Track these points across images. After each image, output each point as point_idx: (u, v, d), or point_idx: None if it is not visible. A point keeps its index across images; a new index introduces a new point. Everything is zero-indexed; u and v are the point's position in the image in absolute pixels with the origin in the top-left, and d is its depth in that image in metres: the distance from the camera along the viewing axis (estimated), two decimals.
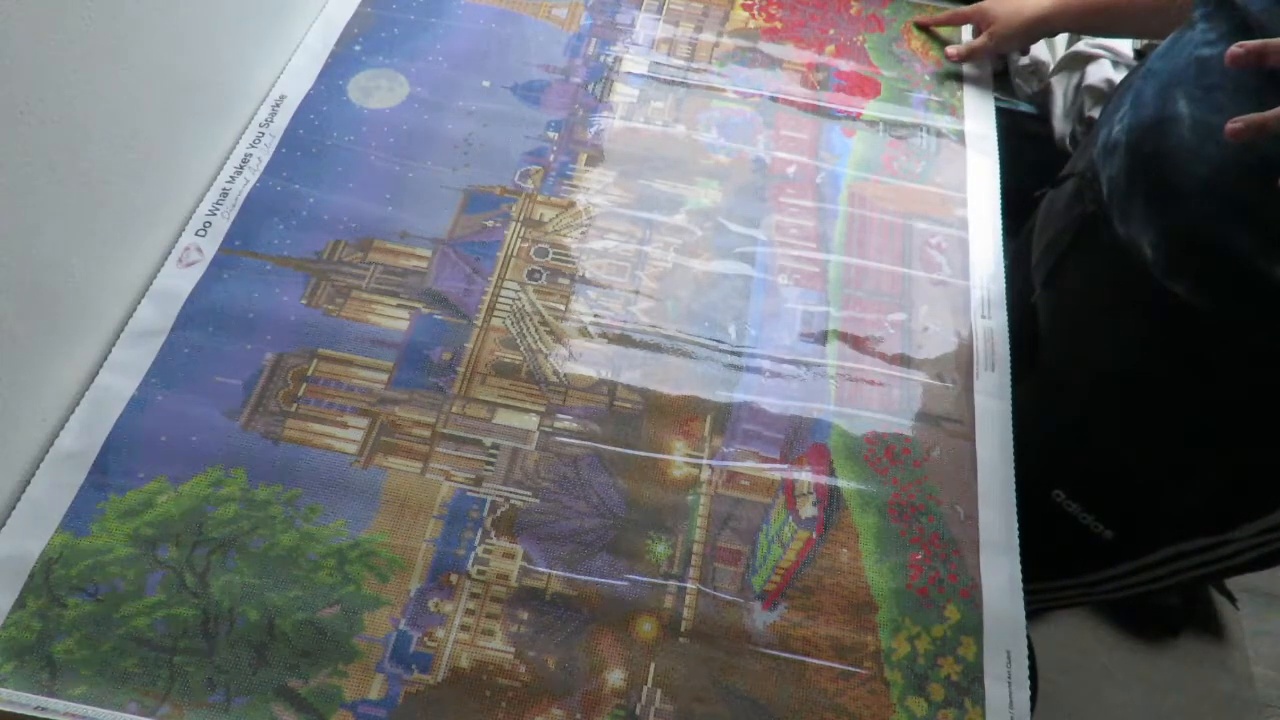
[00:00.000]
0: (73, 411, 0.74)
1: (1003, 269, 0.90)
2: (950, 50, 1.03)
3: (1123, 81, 0.84)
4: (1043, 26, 0.98)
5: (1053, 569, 0.90)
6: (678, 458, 0.77)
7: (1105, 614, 1.34)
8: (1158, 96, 0.70)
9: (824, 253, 0.90)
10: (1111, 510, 0.84)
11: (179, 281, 0.82)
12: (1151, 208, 0.70)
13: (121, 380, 0.76)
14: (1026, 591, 0.71)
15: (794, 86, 1.04)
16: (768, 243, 0.90)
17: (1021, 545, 0.73)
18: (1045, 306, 0.87)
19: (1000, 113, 1.05)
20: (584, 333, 0.83)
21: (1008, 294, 0.89)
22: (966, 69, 1.08)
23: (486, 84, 1.00)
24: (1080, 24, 0.97)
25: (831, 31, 1.10)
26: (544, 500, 0.74)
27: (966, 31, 1.12)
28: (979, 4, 1.04)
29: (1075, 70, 1.13)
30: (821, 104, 1.02)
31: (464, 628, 0.68)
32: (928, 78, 1.06)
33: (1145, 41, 1.10)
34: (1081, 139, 1.02)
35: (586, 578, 0.70)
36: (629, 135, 0.98)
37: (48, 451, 0.72)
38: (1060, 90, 1.15)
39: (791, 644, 0.69)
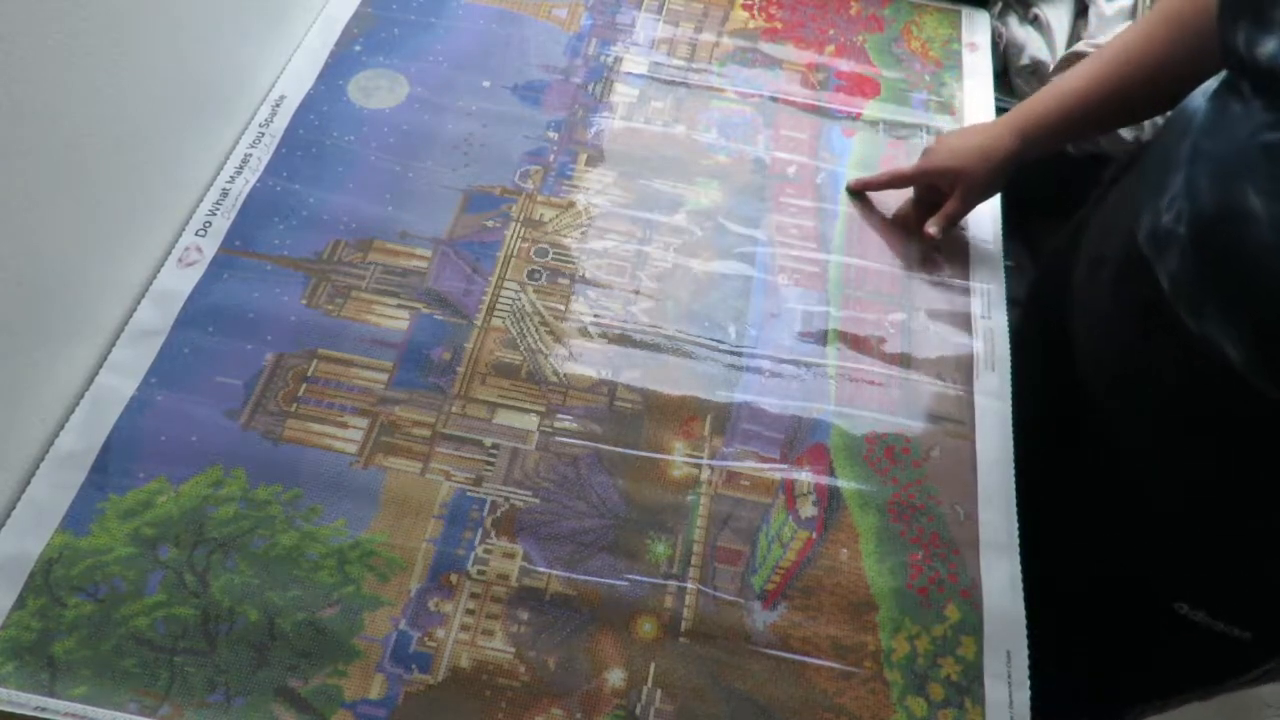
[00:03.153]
0: (73, 411, 0.74)
1: (1003, 269, 0.90)
2: (929, 230, 0.86)
3: (1150, 148, 0.73)
4: (1015, 161, 0.84)
5: (1190, 680, 0.83)
6: (678, 458, 0.77)
7: None
8: (1218, 187, 0.61)
9: (824, 253, 0.90)
10: (1244, 611, 0.74)
11: (179, 281, 0.82)
12: (1233, 309, 0.62)
13: (121, 380, 0.76)
14: (1164, 706, 0.68)
15: (794, 86, 1.04)
16: (768, 243, 0.90)
17: (1148, 662, 0.69)
18: (1116, 415, 0.76)
19: (1000, 113, 1.05)
20: (584, 333, 0.83)
21: (1020, 365, 0.83)
22: (967, 69, 1.08)
23: (486, 84, 1.00)
24: (1057, 137, 0.83)
25: (831, 31, 1.10)
26: (544, 500, 0.74)
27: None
28: (934, 164, 0.88)
29: None
30: (821, 104, 1.02)
31: (464, 628, 0.68)
32: (928, 78, 1.06)
33: None
34: (1093, 208, 0.87)
35: (586, 578, 0.70)
36: (629, 135, 0.98)
37: (48, 451, 0.72)
38: None
39: (791, 644, 0.69)
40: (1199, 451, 0.69)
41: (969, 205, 0.88)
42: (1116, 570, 0.76)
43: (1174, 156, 0.66)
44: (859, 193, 0.94)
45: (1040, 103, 0.82)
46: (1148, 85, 0.75)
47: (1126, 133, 1.09)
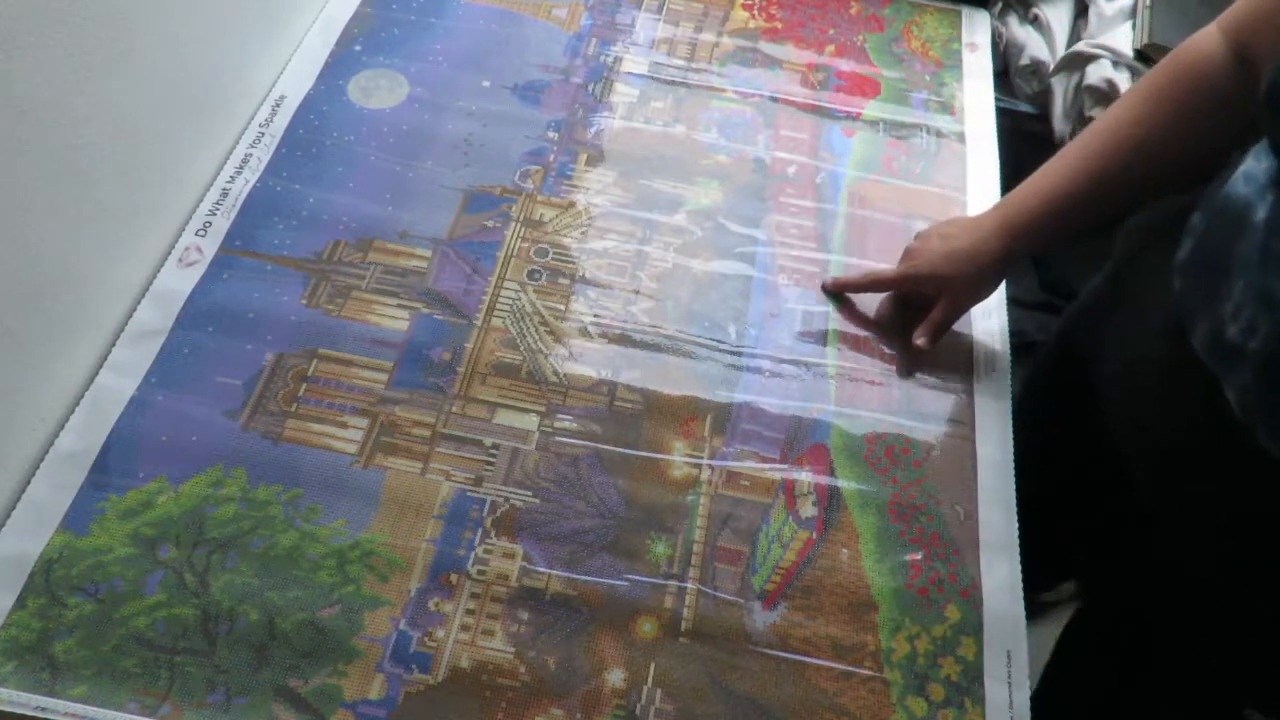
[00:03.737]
0: (73, 411, 0.74)
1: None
2: (918, 341, 0.80)
3: (1194, 242, 0.64)
4: (1005, 264, 0.78)
5: None
6: (678, 458, 0.77)
7: None
8: None
9: (824, 253, 0.90)
10: None
11: (179, 281, 0.82)
12: None
13: (121, 380, 0.76)
14: None
15: (794, 86, 1.04)
16: (768, 243, 0.90)
17: None
18: (1173, 523, 0.70)
19: (1000, 113, 1.05)
20: (584, 333, 0.83)
21: (1035, 431, 0.80)
22: (967, 69, 1.08)
23: (486, 84, 1.00)
24: (1049, 236, 0.75)
25: (831, 31, 1.10)
26: (544, 500, 0.74)
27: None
28: (920, 271, 0.81)
29: (1075, 70, 1.13)
30: (821, 104, 1.02)
31: (464, 628, 0.68)
32: (928, 78, 1.06)
33: (1146, 40, 1.10)
34: (1112, 282, 0.79)
35: (586, 578, 0.70)
36: (629, 135, 0.98)
37: (48, 451, 0.72)
38: (1060, 90, 1.14)
39: (791, 644, 0.69)
40: (1264, 552, 0.64)
41: (959, 312, 0.81)
42: (1182, 671, 0.72)
43: (1232, 257, 0.58)
44: (836, 289, 0.86)
45: (1027, 200, 0.75)
46: (1143, 173, 0.70)
47: None
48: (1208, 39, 0.67)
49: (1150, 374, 0.69)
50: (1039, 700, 0.68)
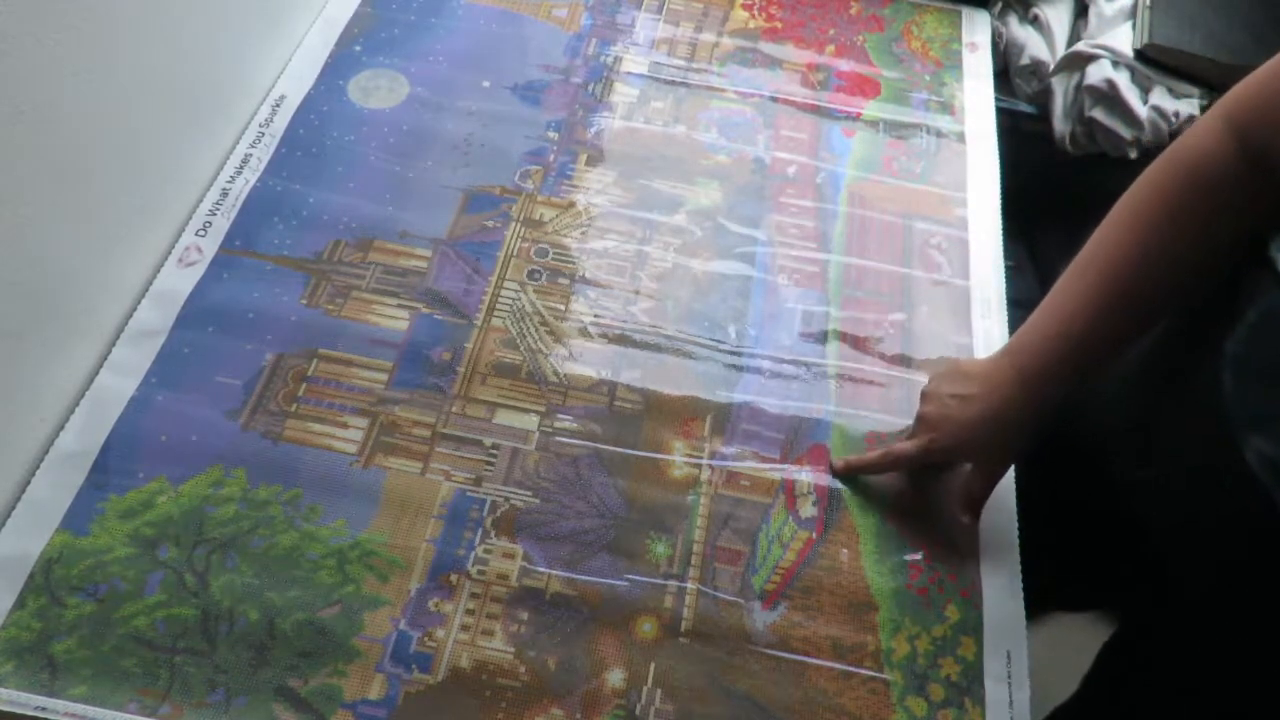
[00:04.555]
0: (73, 411, 0.74)
1: (1003, 269, 0.90)
2: (964, 520, 0.73)
3: (1246, 326, 0.59)
4: (1033, 418, 0.69)
5: None
6: (678, 458, 0.77)
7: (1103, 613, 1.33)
8: None
9: (824, 253, 0.90)
10: None
11: (179, 281, 0.82)
12: None
13: (121, 380, 0.76)
14: None
15: (794, 86, 1.04)
16: (768, 243, 0.90)
17: None
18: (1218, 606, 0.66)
19: (1000, 113, 1.05)
20: (584, 333, 0.83)
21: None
22: (967, 69, 1.08)
23: (486, 84, 1.00)
24: (1071, 378, 0.67)
25: (831, 31, 1.10)
26: (544, 500, 0.74)
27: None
28: (942, 445, 0.72)
29: (1075, 70, 1.13)
30: (821, 104, 1.02)
31: (464, 628, 0.68)
32: (928, 78, 1.06)
33: (1146, 40, 1.10)
34: (1144, 375, 0.71)
35: (586, 578, 0.70)
36: (629, 135, 0.98)
37: (48, 451, 0.72)
38: (1060, 90, 1.14)
39: (791, 644, 0.69)
40: None
41: (995, 480, 0.73)
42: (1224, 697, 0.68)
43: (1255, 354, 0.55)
44: (848, 472, 0.77)
45: (1039, 344, 0.67)
46: (1154, 293, 0.63)
47: (1125, 132, 1.09)
48: (1209, 134, 0.60)
49: (1191, 483, 0.63)
50: (1072, 710, 0.67)
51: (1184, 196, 0.61)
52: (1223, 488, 0.60)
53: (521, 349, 0.81)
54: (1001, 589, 0.72)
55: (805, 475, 0.76)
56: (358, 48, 1.01)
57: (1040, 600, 0.73)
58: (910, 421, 0.79)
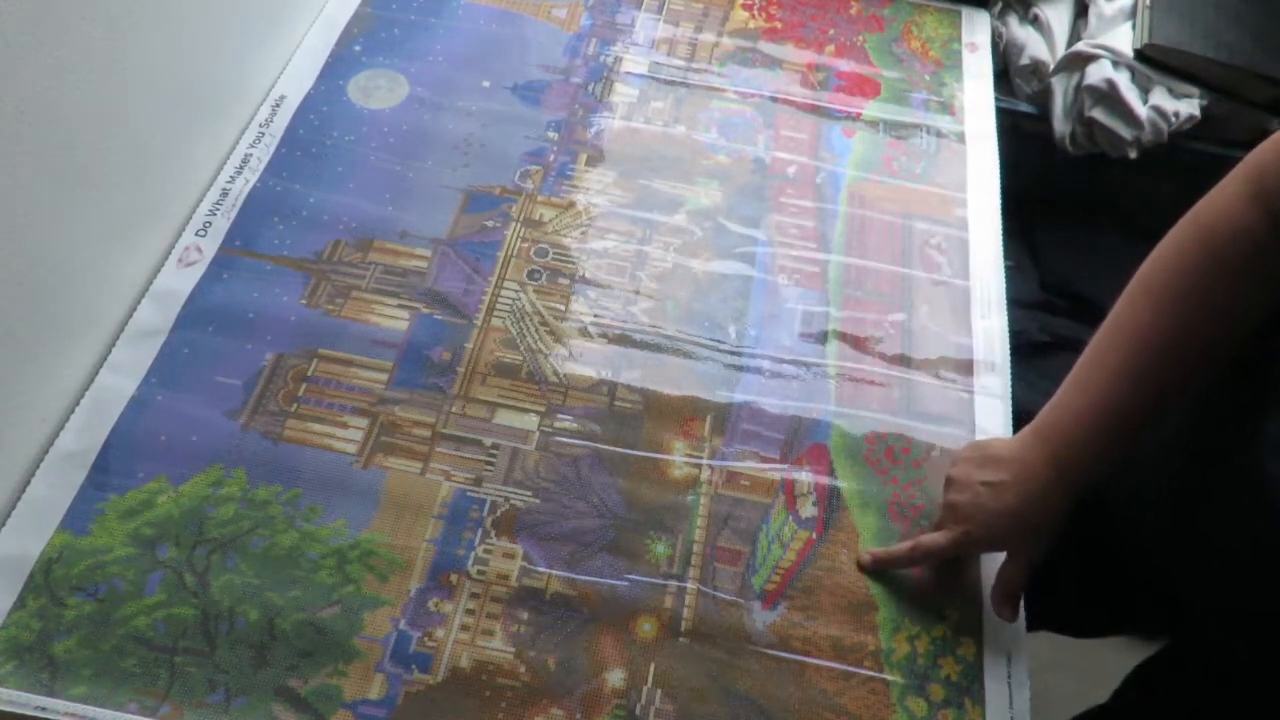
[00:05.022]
0: (73, 411, 0.74)
1: (1003, 269, 0.90)
2: (1004, 615, 0.69)
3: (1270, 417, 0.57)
4: (1070, 506, 0.66)
5: None
6: (678, 458, 0.77)
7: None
8: None
9: (824, 253, 0.90)
10: None
11: (179, 281, 0.82)
12: None
13: (121, 380, 0.76)
14: None
15: (794, 86, 1.04)
16: (768, 243, 0.90)
17: None
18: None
19: (1000, 113, 1.05)
20: (584, 333, 0.83)
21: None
22: (967, 69, 1.08)
23: (486, 84, 1.00)
24: (1105, 460, 0.64)
25: (831, 31, 1.10)
26: (544, 500, 0.74)
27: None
28: (977, 538, 0.68)
29: (1075, 70, 1.13)
30: (821, 104, 1.02)
31: (464, 628, 0.68)
32: (928, 78, 1.06)
33: (1146, 40, 1.10)
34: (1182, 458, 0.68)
35: (586, 578, 0.70)
36: (629, 135, 0.98)
37: (48, 451, 0.72)
38: (1060, 90, 1.15)
39: (791, 644, 0.69)
40: None
41: (1031, 569, 0.68)
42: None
43: None
44: (876, 568, 0.73)
45: (1071, 425, 0.64)
46: (1186, 369, 0.61)
47: (1125, 132, 1.09)
48: (1233, 202, 0.58)
49: (1235, 565, 0.61)
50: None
51: (1211, 270, 0.58)
52: (1265, 572, 0.58)
53: (521, 349, 0.81)
54: None
55: (805, 475, 0.76)
56: (358, 48, 1.02)
57: (1042, 621, 0.71)
58: (911, 422, 0.80)
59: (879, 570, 0.72)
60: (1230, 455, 0.61)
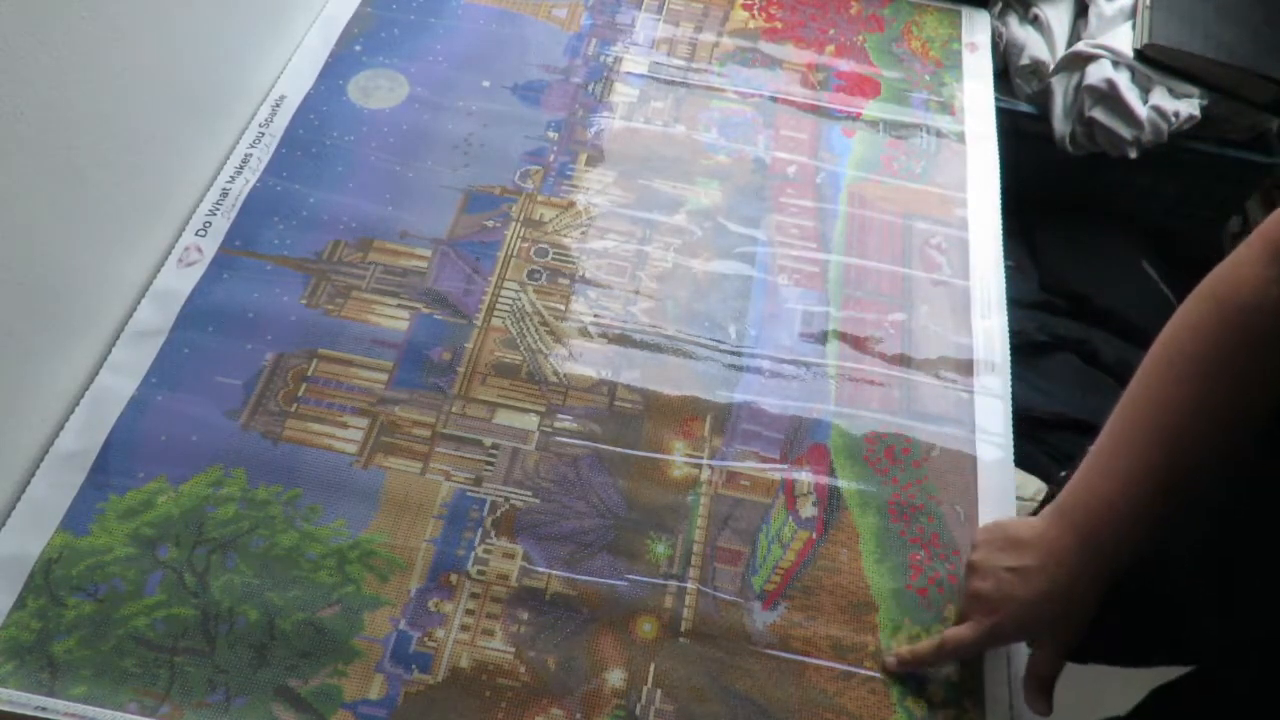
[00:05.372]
0: (73, 411, 0.74)
1: (1003, 269, 0.90)
2: (1039, 710, 0.65)
3: None
4: (1103, 593, 0.62)
5: None
6: (678, 458, 0.77)
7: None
8: None
9: (824, 253, 0.90)
10: None
11: (179, 281, 0.82)
12: None
13: (121, 380, 0.76)
14: None
15: (794, 86, 1.04)
16: (768, 243, 0.90)
17: None
18: None
19: (1000, 113, 1.05)
20: (584, 333, 0.83)
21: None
22: (967, 69, 1.08)
23: (486, 84, 1.00)
24: (1136, 542, 0.61)
25: (831, 31, 1.10)
26: (544, 500, 0.74)
27: (970, 24, 1.11)
28: (1008, 631, 0.65)
29: (1075, 70, 1.13)
30: (821, 104, 1.02)
31: (464, 628, 0.68)
32: (928, 78, 1.06)
33: (1146, 40, 1.10)
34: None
35: (586, 578, 0.70)
36: (629, 135, 0.98)
37: (48, 451, 0.72)
38: (1060, 90, 1.15)
39: (791, 644, 0.69)
40: None
41: (1064, 657, 0.64)
42: None
43: None
44: (902, 669, 0.69)
45: (1100, 507, 0.61)
46: (1225, 435, 0.58)
47: (1125, 132, 1.09)
48: (1251, 271, 0.56)
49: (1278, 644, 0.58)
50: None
51: (1232, 342, 0.57)
52: None
53: (521, 349, 0.81)
54: None
55: (805, 475, 0.76)
56: (358, 48, 1.02)
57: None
58: (911, 422, 0.80)
59: (905, 670, 0.68)
60: (1273, 532, 0.59)
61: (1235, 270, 0.57)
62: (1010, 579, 0.63)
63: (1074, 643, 0.63)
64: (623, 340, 0.83)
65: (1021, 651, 0.69)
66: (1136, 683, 0.76)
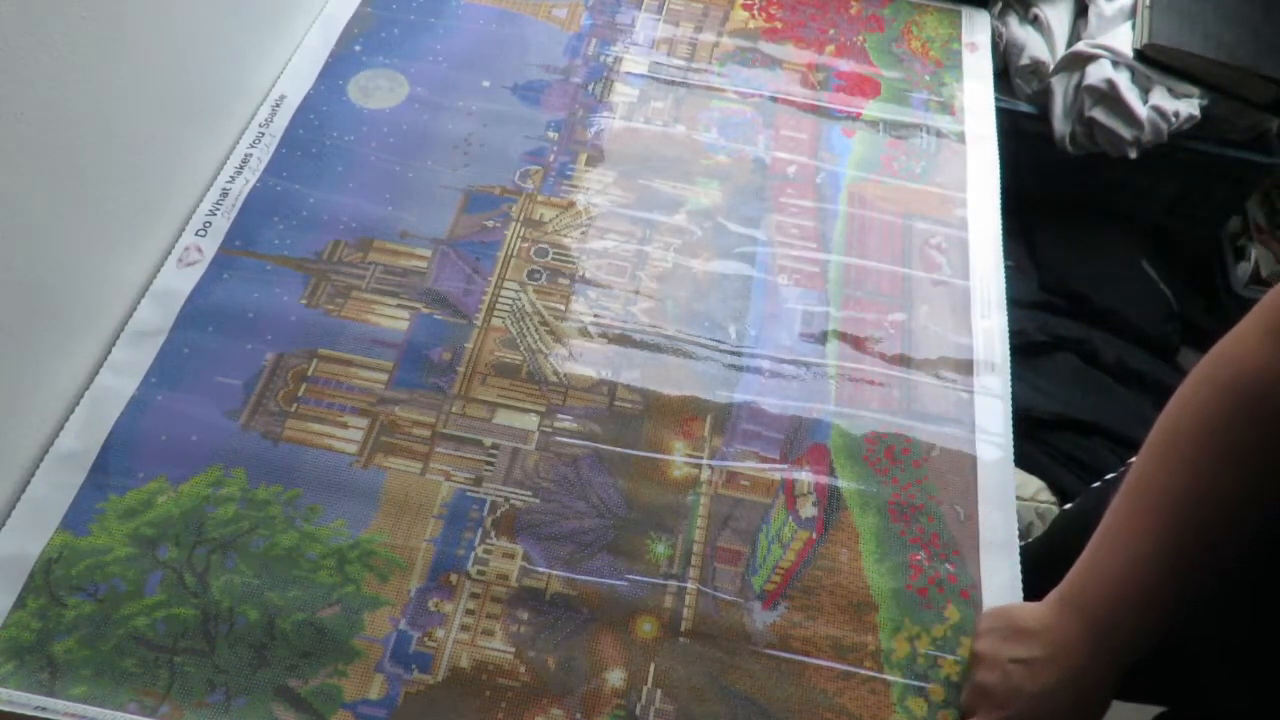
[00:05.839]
0: (73, 411, 0.74)
1: (1003, 269, 0.90)
2: None
3: None
4: (1118, 684, 0.60)
5: None
6: (678, 458, 0.77)
7: None
8: None
9: (824, 253, 0.90)
10: None
11: (179, 281, 0.82)
12: None
13: (121, 380, 0.76)
14: None
15: (794, 86, 1.04)
16: (768, 243, 0.90)
17: None
18: None
19: (1000, 113, 1.05)
20: (584, 333, 0.83)
21: None
22: (967, 69, 1.08)
23: (486, 84, 1.00)
24: (1148, 636, 0.59)
25: (831, 31, 1.10)
26: (544, 500, 0.74)
27: (969, 23, 1.11)
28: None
29: (1075, 70, 1.13)
30: (821, 104, 1.02)
31: (464, 628, 0.68)
32: (928, 78, 1.06)
33: (1146, 40, 1.10)
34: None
35: (586, 578, 0.70)
36: (629, 135, 0.98)
37: (48, 451, 0.72)
38: (1060, 90, 1.15)
39: (791, 644, 0.69)
40: None
41: None
42: None
43: None
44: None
45: (1111, 598, 0.59)
46: (1236, 519, 0.57)
47: (1125, 132, 1.09)
48: (1255, 353, 0.55)
49: None
50: None
51: (1240, 420, 0.55)
52: None
53: (521, 349, 0.81)
54: (1001, 589, 0.72)
55: (805, 475, 0.76)
56: (358, 48, 1.02)
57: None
58: (911, 422, 0.80)
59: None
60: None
61: (1236, 349, 0.56)
62: (1016, 671, 0.61)
63: None
64: (623, 340, 0.83)
65: None
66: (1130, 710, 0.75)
